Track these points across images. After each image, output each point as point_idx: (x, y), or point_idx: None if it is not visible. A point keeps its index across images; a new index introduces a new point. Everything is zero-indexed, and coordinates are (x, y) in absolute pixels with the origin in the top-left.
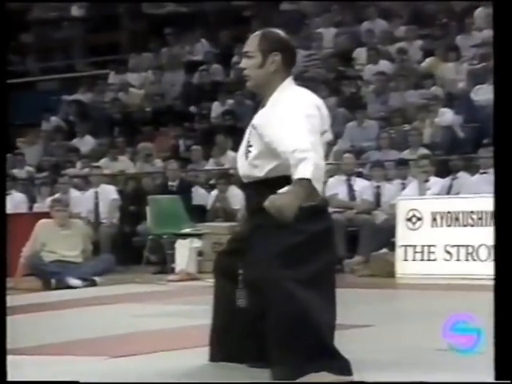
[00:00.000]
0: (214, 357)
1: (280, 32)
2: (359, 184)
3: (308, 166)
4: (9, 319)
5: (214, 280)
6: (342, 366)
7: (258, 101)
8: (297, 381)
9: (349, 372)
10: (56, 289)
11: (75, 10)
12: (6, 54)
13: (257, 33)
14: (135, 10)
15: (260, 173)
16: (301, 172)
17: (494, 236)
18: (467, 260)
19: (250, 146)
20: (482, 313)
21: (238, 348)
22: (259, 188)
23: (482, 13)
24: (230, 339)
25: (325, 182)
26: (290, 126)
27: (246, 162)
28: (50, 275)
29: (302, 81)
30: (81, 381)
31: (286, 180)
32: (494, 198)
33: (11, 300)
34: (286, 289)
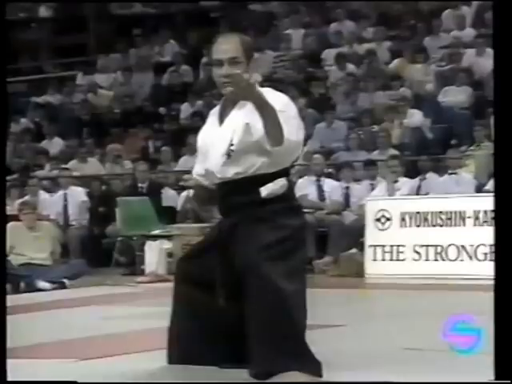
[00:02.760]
0: (174, 359)
1: None
2: (329, 185)
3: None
4: None
5: (175, 283)
6: (314, 366)
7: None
8: (272, 380)
9: (319, 372)
10: (25, 292)
11: (43, 11)
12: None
13: (233, 37)
14: (103, 11)
15: (243, 171)
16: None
17: (494, 235)
18: (436, 260)
19: (232, 144)
20: (453, 312)
21: (203, 350)
22: (241, 186)
23: (449, 14)
24: (193, 341)
25: (294, 183)
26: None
27: (228, 160)
28: (19, 278)
29: (271, 82)
30: None
31: (269, 177)
32: (494, 199)
33: None
34: (272, 282)
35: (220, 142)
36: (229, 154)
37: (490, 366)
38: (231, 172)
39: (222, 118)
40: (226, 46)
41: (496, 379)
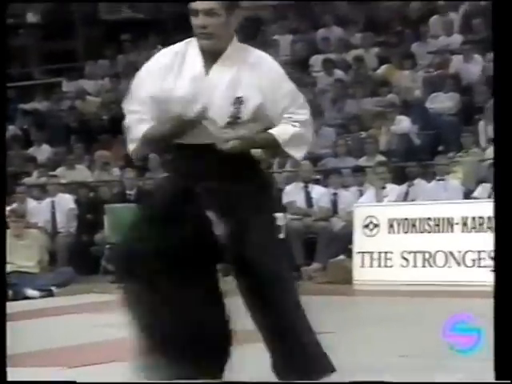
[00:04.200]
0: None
1: None
2: (316, 191)
3: (288, 130)
4: None
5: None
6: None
7: None
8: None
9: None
10: (13, 300)
11: (31, 17)
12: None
13: None
14: (91, 17)
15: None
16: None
17: (494, 242)
18: (424, 266)
19: (238, 117)
20: (441, 318)
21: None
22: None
23: (437, 20)
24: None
25: (282, 190)
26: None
27: (232, 129)
28: (7, 286)
29: None
30: None
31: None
32: (494, 205)
33: None
34: (296, 295)
35: (210, 98)
36: (236, 117)
37: (490, 366)
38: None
39: (206, 68)
40: None
41: (496, 379)
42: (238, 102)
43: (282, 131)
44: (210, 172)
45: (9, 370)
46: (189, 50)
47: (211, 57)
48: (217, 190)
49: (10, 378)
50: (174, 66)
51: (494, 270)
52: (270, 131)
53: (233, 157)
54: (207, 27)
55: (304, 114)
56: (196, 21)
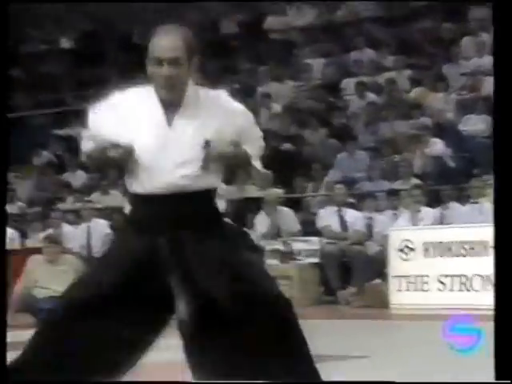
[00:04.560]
0: None
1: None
2: (351, 215)
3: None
4: None
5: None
6: None
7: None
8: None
9: None
10: None
11: (64, 43)
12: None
13: (175, 31)
14: (123, 42)
15: (207, 184)
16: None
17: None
18: (461, 290)
19: (209, 159)
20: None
21: None
22: (196, 198)
23: (468, 41)
24: None
25: (316, 214)
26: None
27: (197, 171)
28: (42, 312)
29: (292, 112)
30: None
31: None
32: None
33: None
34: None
35: (177, 148)
36: (204, 165)
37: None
38: (198, 183)
39: (168, 119)
40: (168, 42)
41: (496, 379)
42: (208, 145)
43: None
44: (173, 223)
45: None
46: (146, 98)
47: (171, 105)
48: (179, 243)
49: None
50: (132, 113)
51: (495, 267)
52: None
53: (196, 206)
54: (172, 78)
55: (257, 131)
56: (159, 71)
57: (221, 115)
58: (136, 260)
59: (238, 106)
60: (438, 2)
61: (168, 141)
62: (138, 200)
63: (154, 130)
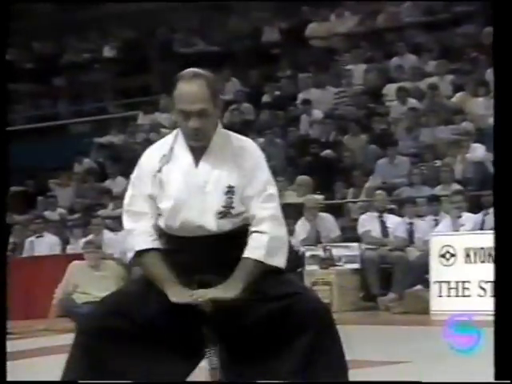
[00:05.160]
0: None
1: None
2: (392, 221)
3: (264, 241)
4: (43, 360)
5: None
6: None
7: (289, 141)
8: None
9: None
10: None
11: (107, 51)
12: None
13: (199, 81)
14: (166, 50)
15: (239, 224)
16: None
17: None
18: None
19: (232, 207)
20: None
21: None
22: (231, 239)
23: None
24: None
25: (356, 219)
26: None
27: (225, 219)
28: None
29: (332, 119)
30: None
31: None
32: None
33: (45, 341)
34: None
35: (201, 191)
36: (226, 213)
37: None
38: (227, 226)
39: (195, 161)
40: (193, 95)
41: (496, 379)
42: (231, 191)
43: (254, 247)
44: (207, 263)
45: None
46: (177, 144)
47: (198, 150)
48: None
49: None
50: (167, 160)
51: (495, 265)
52: (245, 255)
53: (228, 245)
54: (200, 129)
55: (270, 208)
56: (188, 123)
57: (241, 166)
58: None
59: (258, 163)
60: (480, 7)
61: (194, 182)
62: (171, 240)
63: (183, 173)
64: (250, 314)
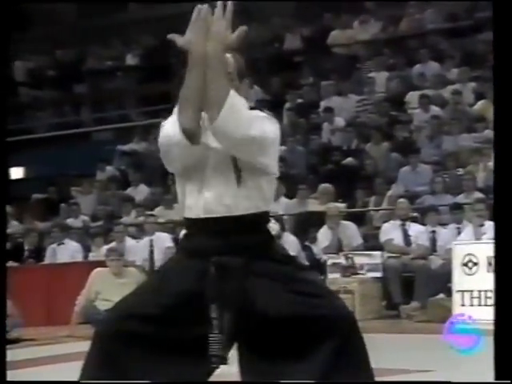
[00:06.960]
0: None
1: None
2: (414, 229)
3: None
4: (65, 366)
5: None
6: None
7: (311, 149)
8: None
9: None
10: None
11: (130, 59)
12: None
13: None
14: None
15: (254, 205)
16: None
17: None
18: None
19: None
20: None
21: None
22: (247, 223)
23: None
24: None
25: (379, 228)
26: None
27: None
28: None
29: (355, 127)
30: None
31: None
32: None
33: (67, 348)
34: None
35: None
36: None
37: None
38: (243, 205)
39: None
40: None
41: (496, 379)
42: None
43: None
44: (221, 248)
45: None
46: None
47: None
48: (230, 268)
49: None
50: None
51: (495, 264)
52: None
53: (247, 230)
54: None
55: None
56: None
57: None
58: (183, 284)
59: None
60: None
61: (206, 156)
62: (189, 223)
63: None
64: (274, 305)
